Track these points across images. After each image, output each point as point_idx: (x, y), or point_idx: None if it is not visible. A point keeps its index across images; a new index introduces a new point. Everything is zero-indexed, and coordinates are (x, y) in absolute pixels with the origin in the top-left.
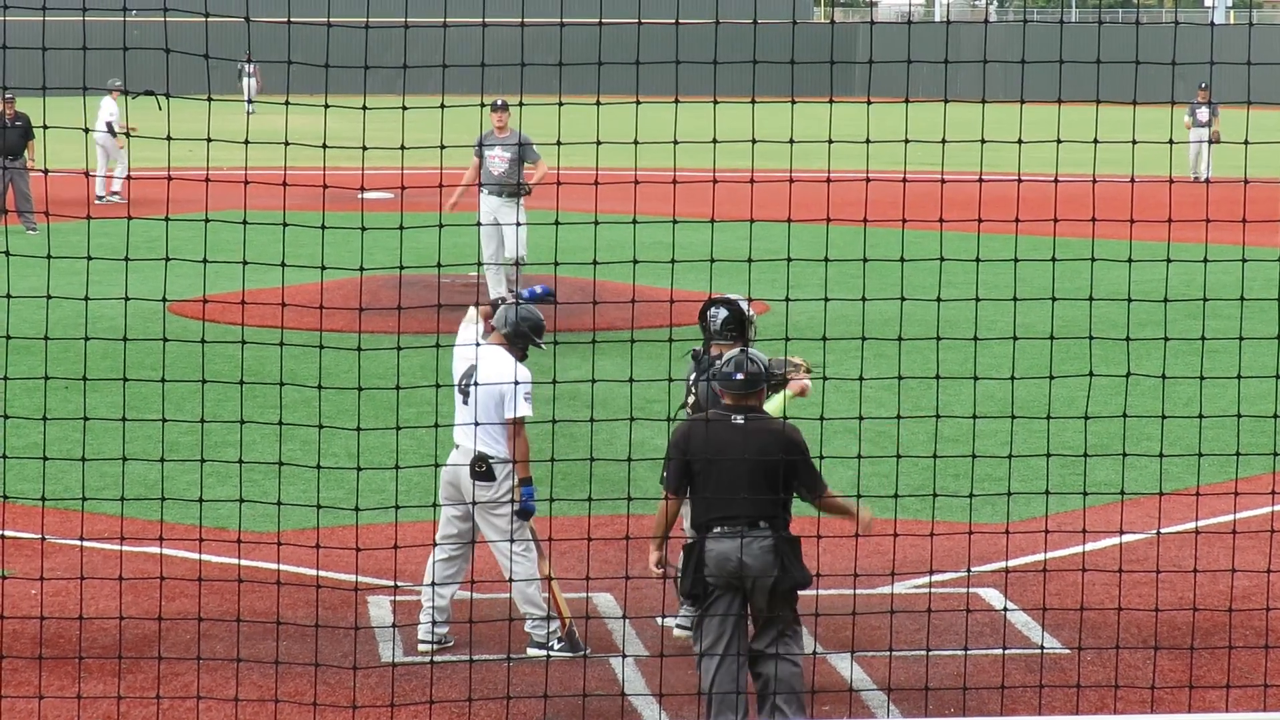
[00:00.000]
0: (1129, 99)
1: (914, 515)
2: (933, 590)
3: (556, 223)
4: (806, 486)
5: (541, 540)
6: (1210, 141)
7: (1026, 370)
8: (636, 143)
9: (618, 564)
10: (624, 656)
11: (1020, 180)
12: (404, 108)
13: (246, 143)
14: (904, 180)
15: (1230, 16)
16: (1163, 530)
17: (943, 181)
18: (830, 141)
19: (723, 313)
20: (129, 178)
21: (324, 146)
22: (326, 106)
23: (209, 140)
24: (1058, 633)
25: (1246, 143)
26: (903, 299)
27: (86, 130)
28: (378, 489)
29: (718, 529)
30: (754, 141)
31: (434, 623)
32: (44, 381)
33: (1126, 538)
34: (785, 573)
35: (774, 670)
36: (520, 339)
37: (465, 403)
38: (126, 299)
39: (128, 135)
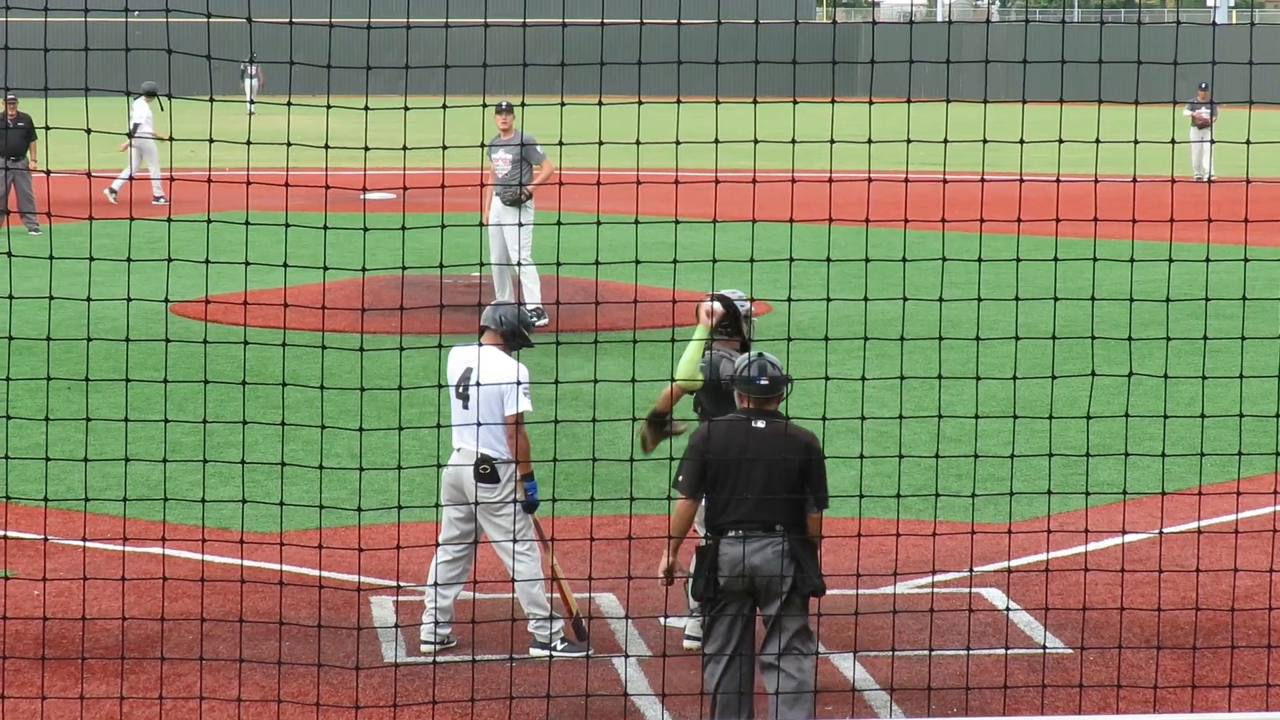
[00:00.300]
0: (1131, 99)
1: (916, 515)
2: (935, 590)
3: (559, 223)
4: (813, 494)
5: (545, 538)
6: (1211, 141)
7: (1028, 370)
8: (638, 143)
9: (620, 564)
10: (626, 656)
11: (1022, 180)
12: (406, 108)
13: (249, 143)
14: (906, 180)
15: (1232, 16)
16: (1165, 530)
17: (945, 181)
18: (832, 142)
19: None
20: (132, 179)
21: (326, 147)
22: (329, 107)
23: (211, 141)
24: (1060, 632)
25: (1249, 143)
26: (905, 299)
27: (88, 131)
28: (380, 489)
29: (733, 532)
30: (756, 142)
31: (436, 623)
32: (46, 382)
33: (1129, 537)
34: (799, 579)
35: (778, 682)
36: (517, 337)
37: (465, 406)
38: (129, 300)
39: (157, 140)
